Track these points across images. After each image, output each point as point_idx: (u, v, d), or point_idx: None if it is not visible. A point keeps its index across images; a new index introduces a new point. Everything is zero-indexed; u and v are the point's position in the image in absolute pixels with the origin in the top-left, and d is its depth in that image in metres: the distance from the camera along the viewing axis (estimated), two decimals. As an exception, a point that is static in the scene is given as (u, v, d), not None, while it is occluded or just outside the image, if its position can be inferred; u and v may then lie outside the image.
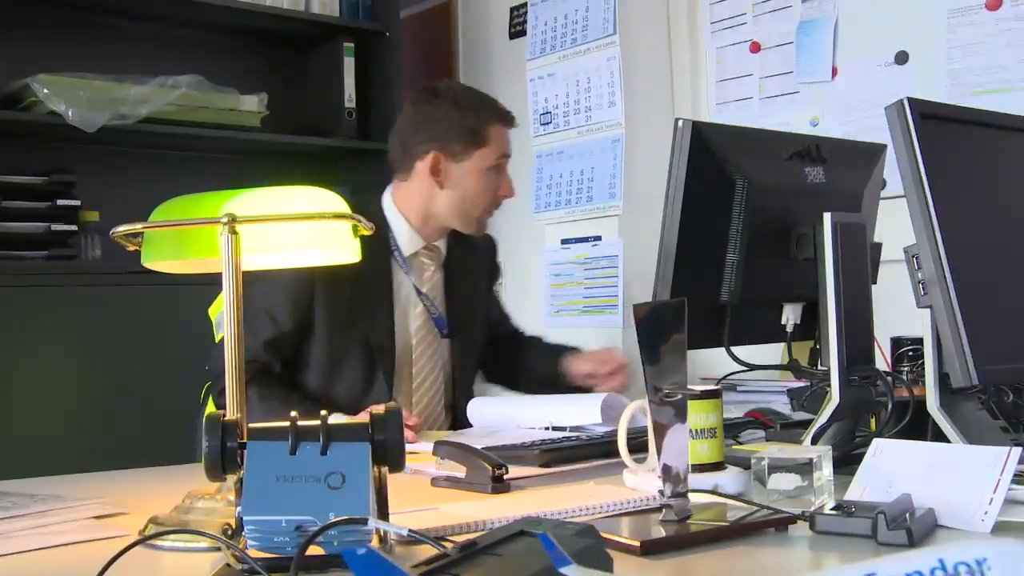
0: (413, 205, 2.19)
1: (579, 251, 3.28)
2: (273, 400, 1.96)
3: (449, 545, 0.86)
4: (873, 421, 1.60)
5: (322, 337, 2.09)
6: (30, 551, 1.10)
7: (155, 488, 1.54)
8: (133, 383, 3.00)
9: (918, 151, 1.19)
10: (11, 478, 1.55)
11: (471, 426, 2.07)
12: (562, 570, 0.63)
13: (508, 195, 2.23)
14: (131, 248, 1.26)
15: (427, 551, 0.99)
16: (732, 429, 1.71)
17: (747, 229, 1.52)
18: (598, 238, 3.22)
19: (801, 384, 2.15)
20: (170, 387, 3.02)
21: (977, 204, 1.30)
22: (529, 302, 3.32)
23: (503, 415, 2.02)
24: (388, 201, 2.22)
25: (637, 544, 1.00)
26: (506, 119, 2.21)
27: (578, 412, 1.89)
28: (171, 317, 3.07)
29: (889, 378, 1.46)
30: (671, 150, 1.49)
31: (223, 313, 2.22)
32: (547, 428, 1.90)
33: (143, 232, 1.24)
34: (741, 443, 1.69)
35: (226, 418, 1.00)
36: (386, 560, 0.50)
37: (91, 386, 2.94)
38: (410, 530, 0.87)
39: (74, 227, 3.03)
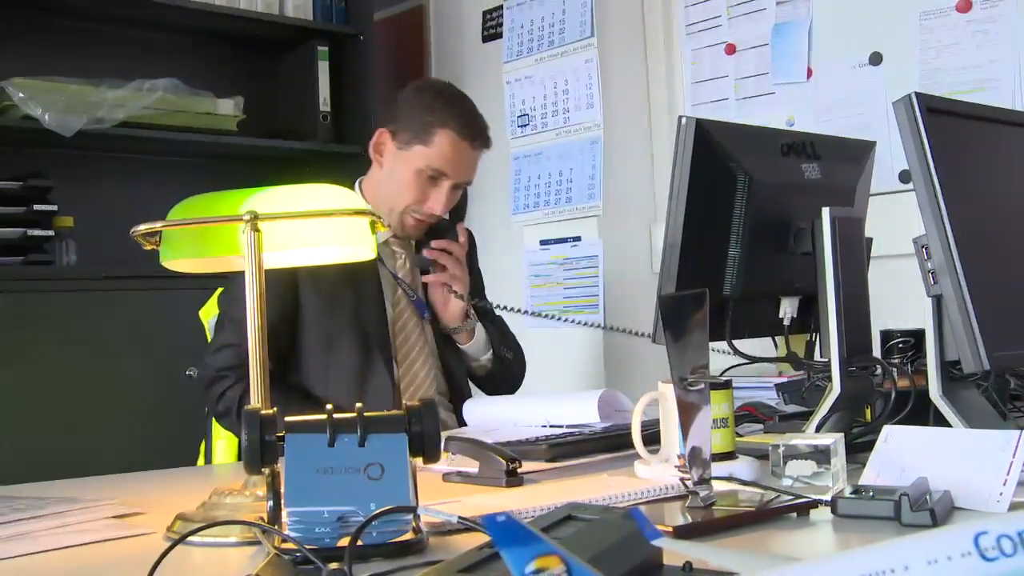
0: (371, 194, 2.21)
1: (558, 252, 3.29)
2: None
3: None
4: (868, 411, 1.64)
5: (312, 321, 2.11)
6: (60, 549, 1.09)
7: (162, 489, 1.54)
8: (109, 388, 2.98)
9: (927, 143, 1.22)
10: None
11: (466, 426, 2.07)
12: (654, 542, 0.66)
13: (433, 210, 2.16)
14: (148, 247, 1.26)
15: (462, 542, 1.01)
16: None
17: (748, 224, 1.55)
18: (578, 239, 3.24)
19: (788, 379, 2.19)
20: (147, 392, 3.01)
21: (982, 195, 1.34)
22: (509, 303, 3.32)
23: (499, 414, 2.02)
24: (357, 191, 2.25)
25: (671, 529, 1.02)
26: (462, 132, 2.13)
27: (575, 410, 1.91)
28: (147, 323, 3.05)
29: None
30: (675, 147, 1.51)
31: (216, 316, 2.23)
32: (544, 427, 1.92)
33: (160, 231, 1.24)
34: (740, 435, 1.71)
35: (264, 412, 1.00)
36: (523, 525, 0.51)
37: (67, 391, 2.91)
38: (460, 517, 0.88)
39: (50, 232, 3.00)
